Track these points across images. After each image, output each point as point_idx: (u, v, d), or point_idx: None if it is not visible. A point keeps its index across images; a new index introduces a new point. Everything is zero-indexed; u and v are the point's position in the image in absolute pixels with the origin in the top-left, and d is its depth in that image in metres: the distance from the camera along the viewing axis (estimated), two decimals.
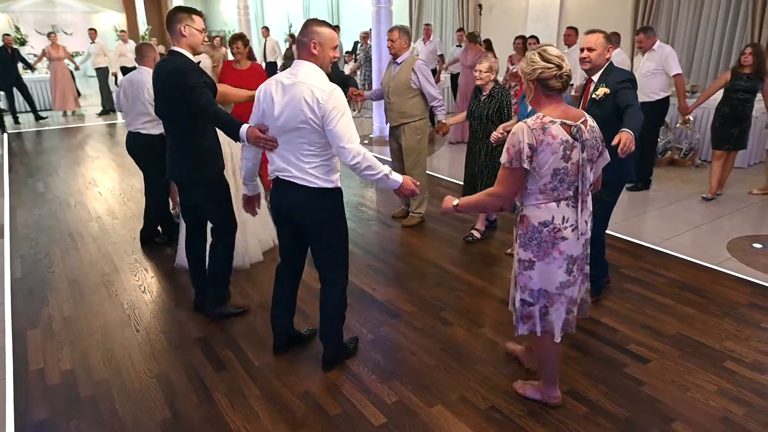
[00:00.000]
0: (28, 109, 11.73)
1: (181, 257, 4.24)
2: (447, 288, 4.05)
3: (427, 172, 5.53)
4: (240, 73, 5.13)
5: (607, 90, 3.23)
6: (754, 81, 5.56)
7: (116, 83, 11.66)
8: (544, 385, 2.77)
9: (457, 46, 9.85)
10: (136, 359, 3.26)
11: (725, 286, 4.04)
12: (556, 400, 2.76)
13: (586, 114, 2.39)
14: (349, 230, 3.02)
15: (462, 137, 8.61)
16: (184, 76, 3.04)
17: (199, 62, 3.37)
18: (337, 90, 2.61)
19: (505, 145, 2.34)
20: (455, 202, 2.60)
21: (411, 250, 4.80)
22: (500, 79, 5.33)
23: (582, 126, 2.31)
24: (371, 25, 8.58)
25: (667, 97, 6.14)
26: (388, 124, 5.20)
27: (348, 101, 2.90)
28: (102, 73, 12.14)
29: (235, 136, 2.83)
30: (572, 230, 2.40)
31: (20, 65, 11.57)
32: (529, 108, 3.97)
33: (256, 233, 4.52)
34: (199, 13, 3.27)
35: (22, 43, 16.89)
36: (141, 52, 4.68)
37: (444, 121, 4.87)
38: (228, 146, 3.94)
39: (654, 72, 5.96)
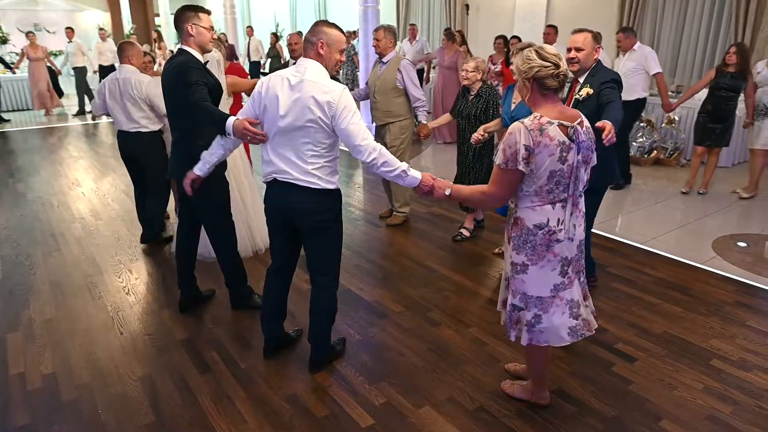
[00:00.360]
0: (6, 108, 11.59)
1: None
2: (435, 288, 4.03)
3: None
4: None
5: (590, 90, 3.18)
6: (737, 80, 5.64)
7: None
8: (532, 385, 2.76)
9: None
10: (120, 362, 3.20)
11: (711, 284, 4.06)
12: (545, 400, 2.74)
13: (581, 115, 2.36)
14: None
15: (452, 137, 8.59)
16: (184, 73, 3.02)
17: (207, 61, 3.34)
18: (346, 90, 2.60)
19: (501, 146, 2.29)
20: (448, 191, 2.56)
21: (399, 250, 4.77)
22: None
23: (578, 127, 2.27)
24: (359, 24, 8.55)
25: (645, 98, 6.25)
26: (374, 124, 5.18)
27: None
28: (80, 73, 11.88)
29: (221, 129, 2.78)
30: (566, 232, 2.36)
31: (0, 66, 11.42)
32: (513, 106, 3.99)
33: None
34: (207, 11, 3.25)
35: (4, 41, 16.66)
36: (122, 51, 4.61)
37: (425, 122, 4.85)
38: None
39: (634, 71, 6.07)
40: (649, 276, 4.19)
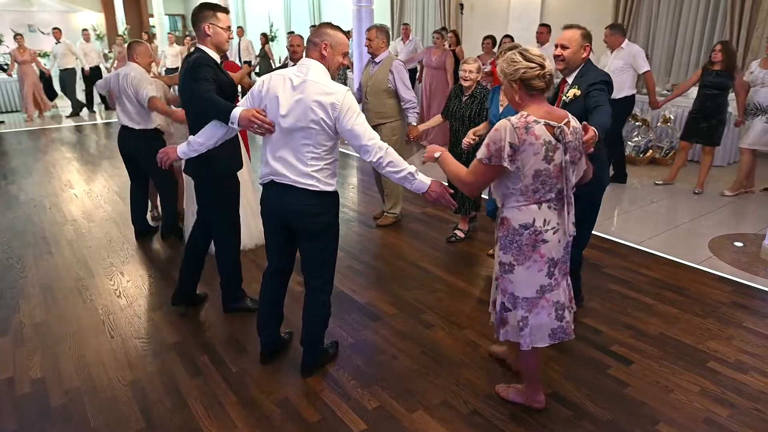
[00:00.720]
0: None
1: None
2: (428, 289, 4.00)
3: None
4: None
5: (577, 92, 3.01)
6: (723, 77, 5.69)
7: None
8: (527, 388, 2.72)
9: None
10: (110, 366, 3.16)
11: (707, 285, 4.04)
12: (540, 404, 2.71)
13: (569, 115, 2.34)
14: None
15: (444, 140, 8.39)
16: (194, 69, 3.01)
17: (223, 61, 3.33)
18: (349, 91, 2.59)
19: (486, 140, 2.28)
20: (437, 154, 2.55)
21: (392, 251, 4.74)
22: None
23: (565, 127, 2.26)
24: (352, 24, 8.51)
25: (633, 95, 6.25)
26: None
27: None
28: (69, 74, 11.76)
29: (226, 119, 2.73)
30: (554, 233, 2.36)
31: None
32: (501, 108, 3.95)
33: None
34: (225, 10, 3.24)
35: None
36: (129, 49, 4.69)
37: (414, 124, 4.81)
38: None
39: (622, 69, 6.07)
40: (644, 276, 4.17)
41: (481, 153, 2.30)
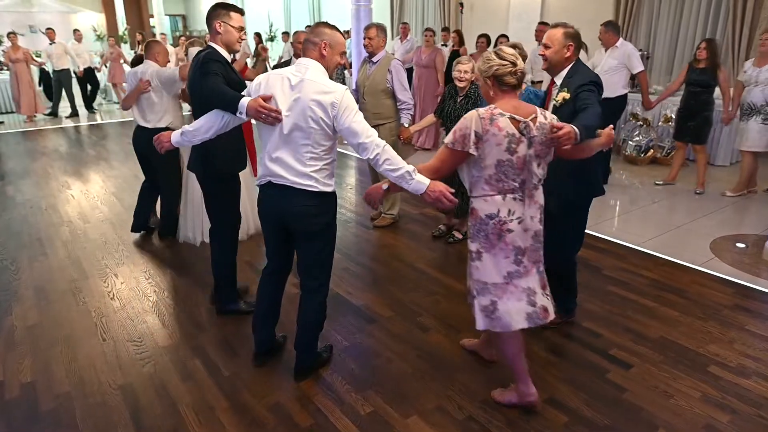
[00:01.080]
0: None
1: (185, 233, 4.84)
2: (425, 292, 3.94)
3: None
4: None
5: (567, 95, 2.90)
6: (706, 75, 5.74)
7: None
8: (517, 385, 2.69)
9: (442, 45, 9.68)
10: (101, 370, 3.11)
11: (709, 287, 3.98)
12: (533, 397, 2.66)
13: (538, 111, 2.43)
14: None
15: (430, 143, 8.23)
16: (202, 65, 2.99)
17: (233, 60, 3.30)
18: (348, 90, 2.57)
19: (454, 128, 2.43)
20: (385, 186, 2.59)
21: (389, 253, 4.69)
22: None
23: (530, 123, 2.37)
24: (351, 23, 8.47)
25: (626, 94, 6.25)
26: None
27: None
28: (65, 75, 11.64)
29: (233, 108, 2.69)
30: (518, 223, 2.47)
31: None
32: None
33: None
34: (239, 10, 3.23)
35: None
36: (149, 48, 4.77)
37: (406, 126, 4.75)
38: None
39: (616, 69, 6.07)
40: (644, 278, 4.11)
41: (447, 139, 2.46)
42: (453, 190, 2.56)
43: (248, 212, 4.73)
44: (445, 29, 10.02)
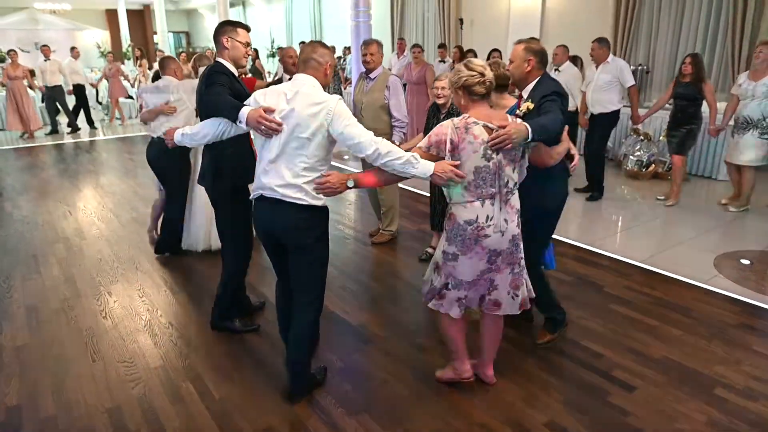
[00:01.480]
0: None
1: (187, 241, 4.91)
2: (423, 311, 3.85)
3: (400, 185, 5.35)
4: None
5: (530, 105, 2.91)
6: (689, 88, 5.76)
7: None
8: (454, 362, 2.91)
9: (440, 61, 9.67)
10: (89, 392, 3.03)
11: (714, 305, 3.88)
12: (467, 373, 2.90)
13: (509, 118, 2.55)
14: None
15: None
16: (209, 76, 3.04)
17: (242, 74, 3.29)
18: (341, 99, 2.61)
19: (430, 133, 2.57)
20: (351, 183, 2.58)
21: (387, 270, 4.61)
22: None
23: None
24: (350, 39, 8.47)
25: (619, 109, 6.26)
26: None
27: None
28: (57, 91, 11.61)
29: (234, 117, 2.68)
30: (495, 229, 2.57)
31: None
32: None
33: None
34: (246, 27, 3.29)
35: (2, 59, 16.66)
36: (166, 65, 4.82)
37: (397, 144, 4.67)
38: None
39: (610, 84, 6.11)
40: (647, 296, 4.02)
41: (422, 143, 2.60)
42: (458, 162, 2.52)
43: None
44: (442, 45, 9.98)
